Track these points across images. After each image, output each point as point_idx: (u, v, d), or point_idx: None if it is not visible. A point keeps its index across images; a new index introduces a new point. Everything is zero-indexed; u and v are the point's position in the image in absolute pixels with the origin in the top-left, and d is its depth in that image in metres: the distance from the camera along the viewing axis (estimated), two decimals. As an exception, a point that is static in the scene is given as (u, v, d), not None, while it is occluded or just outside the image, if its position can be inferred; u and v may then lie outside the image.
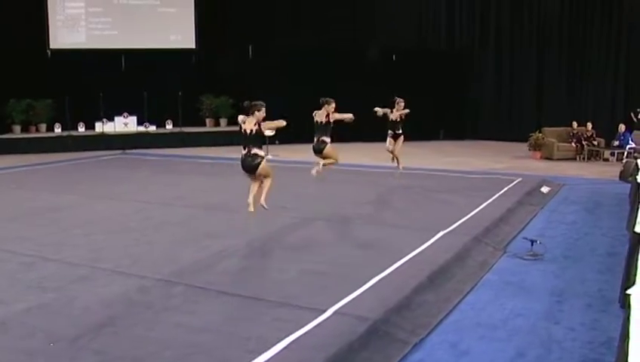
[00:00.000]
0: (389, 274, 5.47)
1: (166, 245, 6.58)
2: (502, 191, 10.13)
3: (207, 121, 20.41)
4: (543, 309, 5.04)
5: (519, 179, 11.42)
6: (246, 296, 4.92)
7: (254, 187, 7.30)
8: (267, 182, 7.22)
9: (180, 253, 6.23)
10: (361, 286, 5.09)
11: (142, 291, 5.08)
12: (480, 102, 21.10)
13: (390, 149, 10.94)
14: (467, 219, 7.87)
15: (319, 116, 8.45)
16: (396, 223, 7.73)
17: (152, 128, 18.73)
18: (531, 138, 16.16)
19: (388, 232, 7.21)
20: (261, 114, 7.00)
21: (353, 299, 4.82)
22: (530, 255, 6.56)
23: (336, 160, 8.62)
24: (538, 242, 6.70)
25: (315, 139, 8.49)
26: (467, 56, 21.24)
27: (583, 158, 15.76)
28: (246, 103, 7.10)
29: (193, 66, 20.11)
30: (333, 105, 8.41)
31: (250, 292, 5.01)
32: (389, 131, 10.88)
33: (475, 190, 10.29)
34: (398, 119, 10.72)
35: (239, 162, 7.19)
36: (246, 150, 6.98)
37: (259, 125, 6.94)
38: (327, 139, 8.42)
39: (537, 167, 14.32)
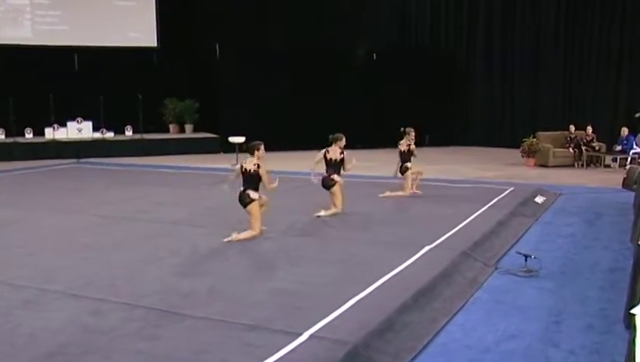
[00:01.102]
0: (369, 294, 5.50)
1: (125, 264, 6.54)
2: (492, 202, 10.24)
3: (171, 126, 20.41)
4: (539, 330, 5.09)
5: (511, 189, 11.57)
6: (213, 319, 4.91)
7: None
8: (250, 232, 7.73)
9: (141, 273, 6.20)
10: (339, 307, 5.11)
11: (97, 315, 5.04)
12: (468, 104, 21.38)
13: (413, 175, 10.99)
14: (455, 233, 7.94)
15: (333, 153, 9.31)
16: (377, 238, 7.77)
17: (110, 135, 18.63)
18: (524, 143, 16.39)
19: (368, 248, 7.25)
20: (261, 153, 7.79)
21: (331, 321, 4.83)
22: (524, 271, 6.64)
23: (340, 205, 9.29)
24: (533, 257, 6.78)
25: (327, 175, 9.32)
26: (454, 55, 21.53)
27: (582, 165, 16.01)
28: (247, 145, 7.99)
29: (155, 67, 20.10)
30: (344, 140, 9.25)
31: (217, 315, 5.00)
32: (402, 164, 10.90)
33: (463, 201, 10.38)
34: (407, 150, 10.78)
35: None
36: (243, 188, 7.81)
37: (258, 166, 7.74)
38: (338, 178, 9.28)
39: (531, 175, 14.52)
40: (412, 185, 10.94)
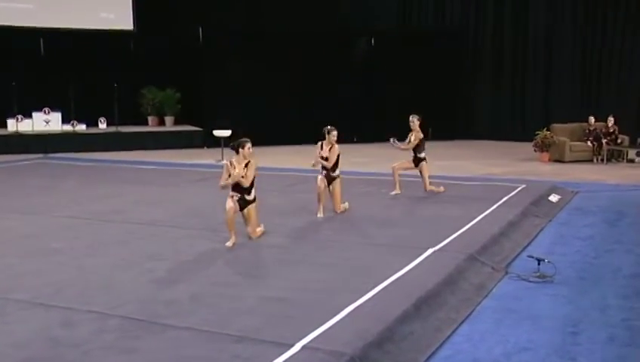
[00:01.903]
0: (367, 301, 5.53)
1: (98, 269, 6.55)
2: (502, 201, 10.29)
3: (150, 119, 20.39)
4: (555, 342, 5.10)
5: (523, 186, 11.62)
6: (197, 329, 4.93)
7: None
8: (255, 230, 7.92)
9: (117, 279, 6.22)
10: (334, 316, 5.13)
11: (67, 326, 5.05)
12: (475, 94, 21.42)
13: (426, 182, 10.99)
14: (460, 235, 7.99)
15: (325, 152, 9.32)
16: (376, 240, 7.81)
17: (82, 127, 18.61)
18: (538, 137, 16.42)
19: (366, 251, 7.28)
20: (246, 151, 7.72)
21: (325, 331, 4.85)
22: (538, 276, 6.68)
23: (339, 204, 9.41)
24: (546, 261, 6.82)
25: (325, 171, 9.35)
26: (460, 40, 21.55)
27: (602, 160, 16.07)
28: (232, 144, 7.95)
29: (131, 52, 20.06)
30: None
31: (202, 324, 5.02)
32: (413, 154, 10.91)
33: (469, 200, 10.43)
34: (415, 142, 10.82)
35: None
36: (239, 195, 7.73)
37: (247, 167, 7.69)
38: (336, 173, 9.32)
39: (545, 171, 14.58)
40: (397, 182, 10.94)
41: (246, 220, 7.88)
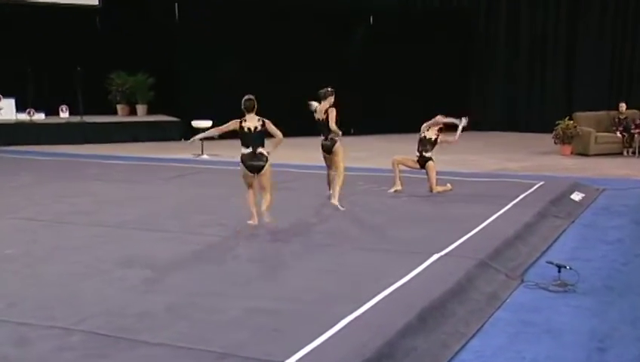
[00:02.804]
0: (365, 313, 5.52)
1: (60, 279, 6.53)
2: (518, 200, 10.32)
3: (119, 107, 20.38)
4: (579, 360, 5.10)
5: (541, 183, 11.66)
6: (174, 345, 4.92)
7: (251, 197, 8.73)
8: (268, 195, 8.63)
9: (80, 289, 6.20)
10: (328, 329, 5.13)
11: (21, 344, 5.02)
12: (487, 80, 21.46)
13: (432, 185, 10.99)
14: (470, 238, 8.00)
15: (319, 113, 9.72)
16: (376, 244, 7.82)
17: (40, 117, 18.58)
18: (558, 127, 16.48)
19: (364, 256, 7.29)
20: (330, 100, 9.19)
21: (318, 347, 4.85)
22: (558, 285, 6.69)
23: (341, 172, 9.78)
24: (568, 268, 6.83)
25: (323, 137, 9.86)
26: (470, 21, 21.58)
27: (633, 152, 16.13)
28: (247, 98, 8.64)
29: (98, 31, 19.98)
30: (331, 99, 9.70)
31: (179, 339, 5.01)
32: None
33: (480, 198, 10.47)
34: (433, 138, 10.94)
35: (241, 163, 8.52)
36: (250, 149, 8.41)
37: (263, 122, 8.42)
38: (261, 150, 9.15)
39: (567, 165, 14.64)
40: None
41: (258, 183, 8.55)
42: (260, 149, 8.42)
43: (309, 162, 13.39)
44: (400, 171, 11.00)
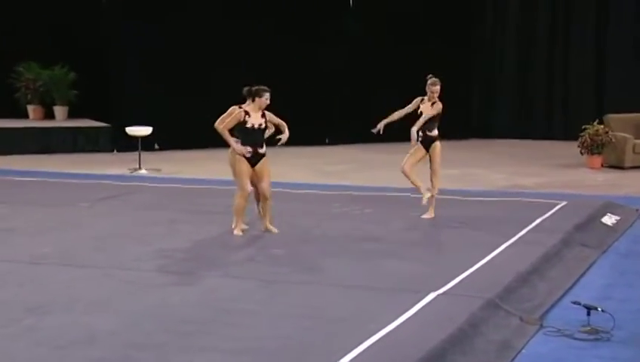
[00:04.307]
0: (345, 368, 5.50)
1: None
2: (534, 224, 10.35)
3: (30, 109, 20.16)
4: None
5: (564, 203, 11.72)
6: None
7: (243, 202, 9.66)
8: (234, 197, 9.59)
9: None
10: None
11: None
12: (494, 76, 21.55)
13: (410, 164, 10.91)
14: (476, 272, 8.00)
15: (255, 118, 9.67)
16: (358, 280, 7.79)
17: None
18: (586, 133, 16.49)
19: (342, 296, 7.24)
20: (264, 101, 9.50)
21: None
22: (587, 331, 6.66)
23: (243, 190, 9.67)
24: (600, 310, 6.81)
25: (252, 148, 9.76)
26: (471, 4, 21.72)
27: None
28: (246, 90, 9.58)
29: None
30: (266, 97, 9.57)
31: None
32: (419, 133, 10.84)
33: (489, 222, 10.48)
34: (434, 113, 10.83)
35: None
36: (253, 149, 9.46)
37: (264, 116, 9.54)
38: (263, 150, 9.68)
39: (596, 181, 14.75)
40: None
41: (259, 180, 9.51)
42: (263, 149, 9.56)
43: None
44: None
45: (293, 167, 15.68)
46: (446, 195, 11.61)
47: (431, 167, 10.85)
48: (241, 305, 7.01)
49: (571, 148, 17.13)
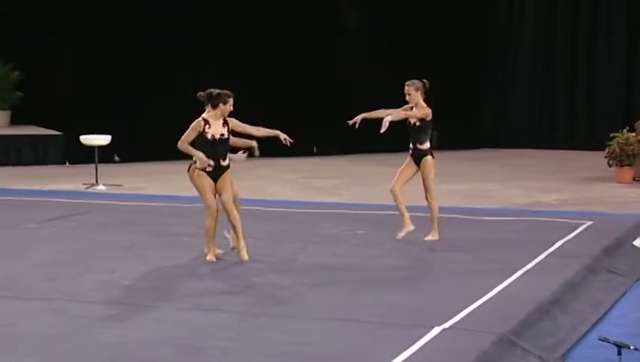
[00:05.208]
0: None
1: None
2: (555, 247, 10.35)
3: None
4: None
5: (589, 224, 11.71)
6: None
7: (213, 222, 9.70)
8: (204, 218, 9.66)
9: None
10: None
11: None
12: (508, 79, 21.60)
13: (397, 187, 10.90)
14: (487, 303, 7.98)
15: (215, 127, 9.70)
16: (351, 313, 7.74)
17: None
18: (614, 142, 16.53)
19: (335, 330, 7.22)
20: (227, 108, 9.54)
21: None
22: (617, 373, 6.67)
23: (208, 212, 9.76)
24: (632, 348, 6.79)
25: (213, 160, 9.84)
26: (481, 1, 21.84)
27: None
28: (201, 95, 9.64)
29: None
30: (230, 103, 9.65)
31: None
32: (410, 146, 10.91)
33: (502, 246, 10.48)
34: (418, 123, 10.78)
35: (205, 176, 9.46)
36: (214, 163, 9.50)
37: (227, 124, 9.55)
38: (225, 162, 9.75)
39: (627, 196, 14.78)
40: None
41: (219, 193, 9.52)
42: (224, 162, 9.56)
43: (248, 195, 13.36)
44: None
45: (276, 182, 15.68)
46: (453, 214, 11.63)
47: (424, 185, 10.84)
48: (213, 343, 6.95)
49: (598, 159, 17.19)
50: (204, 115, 9.49)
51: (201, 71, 18.98)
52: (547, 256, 9.90)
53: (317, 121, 19.78)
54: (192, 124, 9.51)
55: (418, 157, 10.78)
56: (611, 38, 20.84)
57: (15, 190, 15.40)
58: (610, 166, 16.62)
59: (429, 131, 10.82)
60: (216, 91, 9.51)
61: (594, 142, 18.42)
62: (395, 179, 10.84)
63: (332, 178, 16.46)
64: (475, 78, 21.47)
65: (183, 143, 9.48)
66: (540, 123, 21.36)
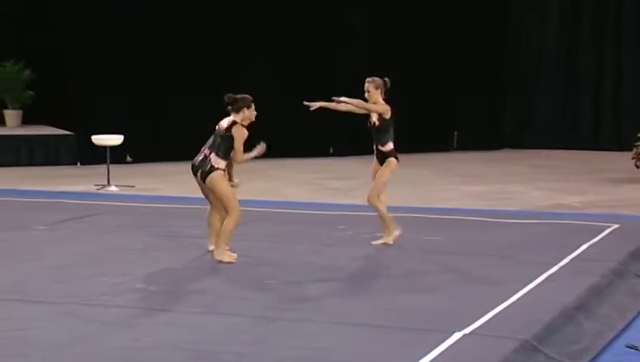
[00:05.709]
0: None
1: None
2: (579, 251, 10.32)
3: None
4: None
5: (615, 227, 11.68)
6: None
7: (214, 220, 9.93)
8: (228, 221, 9.59)
9: None
10: None
11: None
12: (529, 77, 21.54)
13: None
14: (509, 308, 7.95)
15: (220, 127, 9.85)
16: (367, 318, 7.74)
17: None
18: (641, 142, 16.58)
19: (351, 335, 7.21)
20: (251, 113, 9.66)
21: None
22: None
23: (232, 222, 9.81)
24: (661, 355, 6.79)
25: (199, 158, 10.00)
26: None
27: None
28: (230, 97, 9.65)
29: None
30: (246, 112, 9.70)
31: None
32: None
33: (525, 249, 10.46)
34: (377, 122, 10.72)
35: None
36: (202, 154, 9.69)
37: (231, 127, 9.50)
38: (220, 163, 9.69)
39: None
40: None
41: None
42: (212, 156, 9.53)
43: (262, 197, 13.38)
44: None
45: (291, 183, 15.66)
46: (475, 216, 11.60)
47: (373, 182, 10.76)
48: (227, 347, 6.96)
49: (624, 160, 17.16)
50: (237, 120, 9.55)
51: (216, 71, 19.03)
52: (572, 260, 9.87)
53: (334, 121, 19.73)
54: (242, 134, 9.53)
55: (381, 158, 10.72)
56: (638, 37, 20.77)
57: (26, 191, 15.45)
58: (637, 167, 16.55)
59: (391, 131, 10.73)
60: (238, 95, 9.62)
61: (620, 142, 18.35)
62: (374, 188, 10.72)
63: (348, 179, 16.46)
64: (497, 77, 21.40)
65: (243, 156, 9.59)
66: (564, 123, 21.28)
